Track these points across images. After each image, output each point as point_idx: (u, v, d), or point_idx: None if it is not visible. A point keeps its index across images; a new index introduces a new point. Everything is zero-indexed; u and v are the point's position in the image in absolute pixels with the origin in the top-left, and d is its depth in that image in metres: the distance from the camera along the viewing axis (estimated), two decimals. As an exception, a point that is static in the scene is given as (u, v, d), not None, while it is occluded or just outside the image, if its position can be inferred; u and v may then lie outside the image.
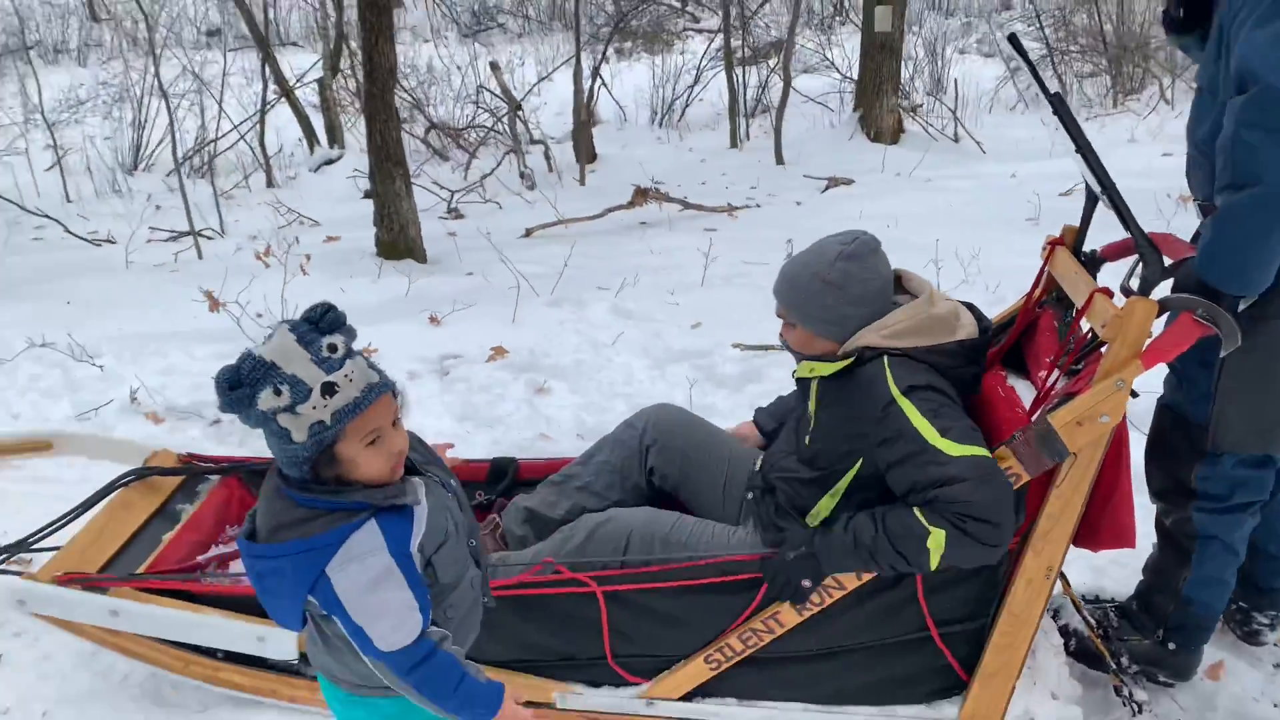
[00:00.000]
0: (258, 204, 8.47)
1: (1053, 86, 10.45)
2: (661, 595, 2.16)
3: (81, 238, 7.20)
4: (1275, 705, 2.23)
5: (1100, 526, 2.02)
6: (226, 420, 3.87)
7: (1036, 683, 2.15)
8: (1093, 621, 2.37)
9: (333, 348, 1.50)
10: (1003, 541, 1.93)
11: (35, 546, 2.53)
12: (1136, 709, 2.17)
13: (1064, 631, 2.33)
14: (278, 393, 1.45)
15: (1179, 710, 2.25)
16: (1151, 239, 1.85)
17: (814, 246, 2.17)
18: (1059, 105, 1.78)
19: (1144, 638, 2.30)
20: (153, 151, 10.34)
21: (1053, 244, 2.24)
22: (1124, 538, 2.01)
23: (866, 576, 2.05)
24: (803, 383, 2.27)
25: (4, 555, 2.51)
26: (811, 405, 2.20)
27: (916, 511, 1.94)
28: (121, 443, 2.85)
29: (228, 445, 3.72)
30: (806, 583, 2.06)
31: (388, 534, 1.56)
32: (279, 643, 2.25)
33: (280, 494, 1.60)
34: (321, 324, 1.52)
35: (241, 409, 1.48)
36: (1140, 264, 1.91)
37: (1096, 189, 1.89)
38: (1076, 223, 2.25)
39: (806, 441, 2.20)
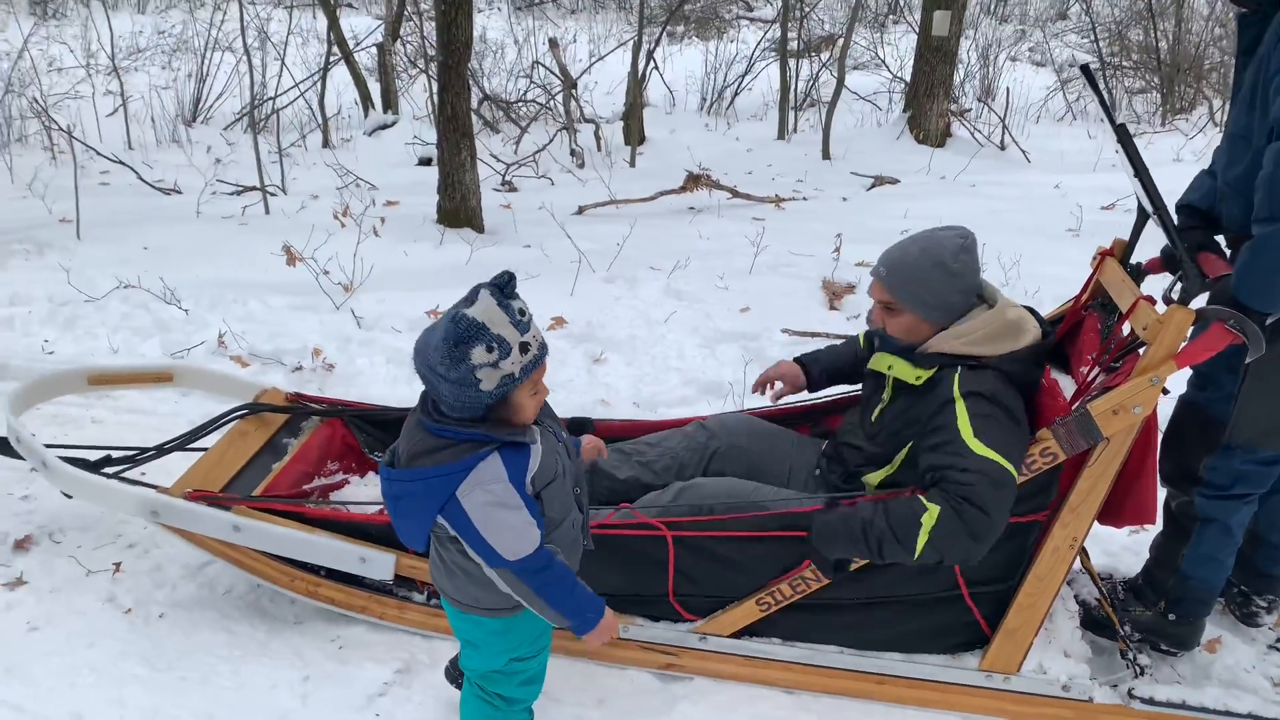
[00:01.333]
0: (313, 164, 8.73)
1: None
2: (725, 542, 2.41)
3: (152, 185, 7.47)
4: (1265, 678, 2.46)
5: (1124, 505, 2.27)
6: (308, 368, 4.14)
7: (1051, 641, 2.40)
8: (1105, 593, 2.61)
9: (522, 312, 1.79)
10: (987, 538, 2.11)
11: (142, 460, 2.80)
12: (1139, 671, 2.40)
13: (1079, 600, 2.57)
14: (490, 350, 1.72)
15: (1177, 676, 2.48)
16: (1196, 259, 2.09)
17: (924, 236, 2.32)
18: (1124, 136, 2.01)
19: (1147, 609, 2.54)
20: (211, 105, 10.62)
21: (1103, 254, 2.47)
22: (1145, 515, 2.25)
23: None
24: (877, 374, 2.45)
25: (128, 464, 2.78)
26: (886, 394, 2.42)
27: (920, 495, 2.17)
28: (236, 379, 3.13)
29: (308, 388, 3.99)
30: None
31: (508, 465, 1.82)
32: (379, 565, 2.52)
33: (420, 427, 1.86)
34: (507, 290, 1.78)
35: (456, 361, 1.72)
36: (1182, 278, 2.14)
37: (1150, 210, 2.12)
38: (1119, 235, 2.48)
39: (873, 419, 2.44)
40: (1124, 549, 2.96)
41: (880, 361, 2.41)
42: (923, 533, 2.13)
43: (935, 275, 2.27)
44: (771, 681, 2.46)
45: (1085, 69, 2.24)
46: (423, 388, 1.87)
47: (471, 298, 1.76)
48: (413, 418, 1.90)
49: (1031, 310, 2.40)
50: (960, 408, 2.18)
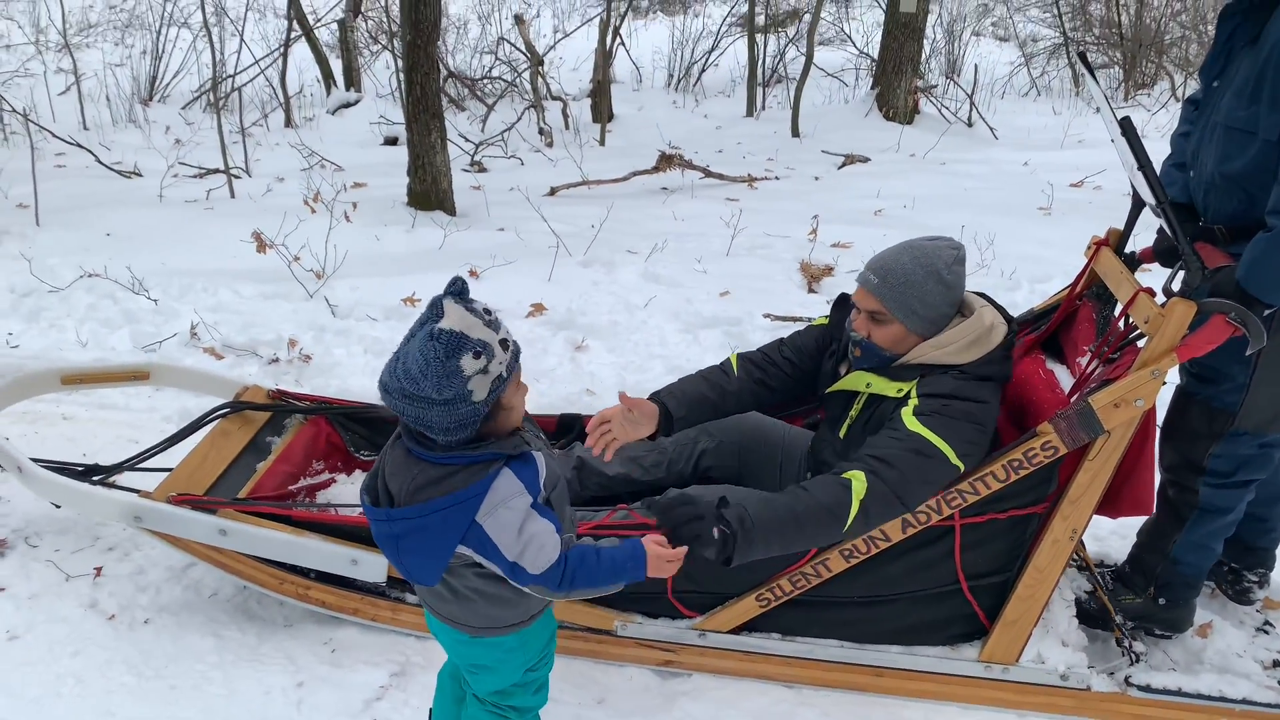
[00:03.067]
0: (276, 144, 8.55)
1: (1064, 74, 10.63)
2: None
3: (111, 168, 7.27)
4: (1256, 661, 2.50)
5: (1122, 496, 2.28)
6: (284, 360, 4.06)
7: (1049, 631, 2.42)
8: (1099, 582, 2.64)
9: (488, 310, 1.70)
10: (910, 500, 2.13)
11: (140, 466, 2.73)
12: (1134, 658, 2.43)
13: (1075, 590, 2.60)
14: (477, 356, 1.63)
15: (1171, 662, 2.52)
16: (1196, 248, 2.09)
17: (916, 246, 2.26)
18: (1127, 128, 2.00)
19: (1136, 596, 2.57)
20: (169, 84, 10.35)
21: (1098, 244, 2.46)
22: (1143, 506, 2.28)
23: (910, 531, 2.28)
24: (847, 392, 2.40)
25: (110, 472, 2.71)
26: (855, 409, 2.38)
27: (839, 475, 2.14)
28: (215, 377, 3.05)
29: (285, 383, 3.91)
30: (714, 532, 2.07)
31: (521, 478, 1.75)
32: (371, 566, 2.47)
33: (413, 459, 1.74)
34: (464, 295, 1.70)
35: (449, 378, 1.62)
36: (1182, 269, 2.14)
37: (1152, 203, 2.12)
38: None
39: (842, 434, 2.41)
40: (1112, 533, 2.99)
41: (857, 380, 2.36)
42: (852, 508, 2.10)
43: (929, 285, 2.23)
44: (771, 676, 2.46)
45: (1083, 55, 2.22)
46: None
47: (437, 313, 1.66)
48: (396, 452, 1.79)
49: (990, 300, 2.36)
50: (911, 404, 2.20)
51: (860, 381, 2.35)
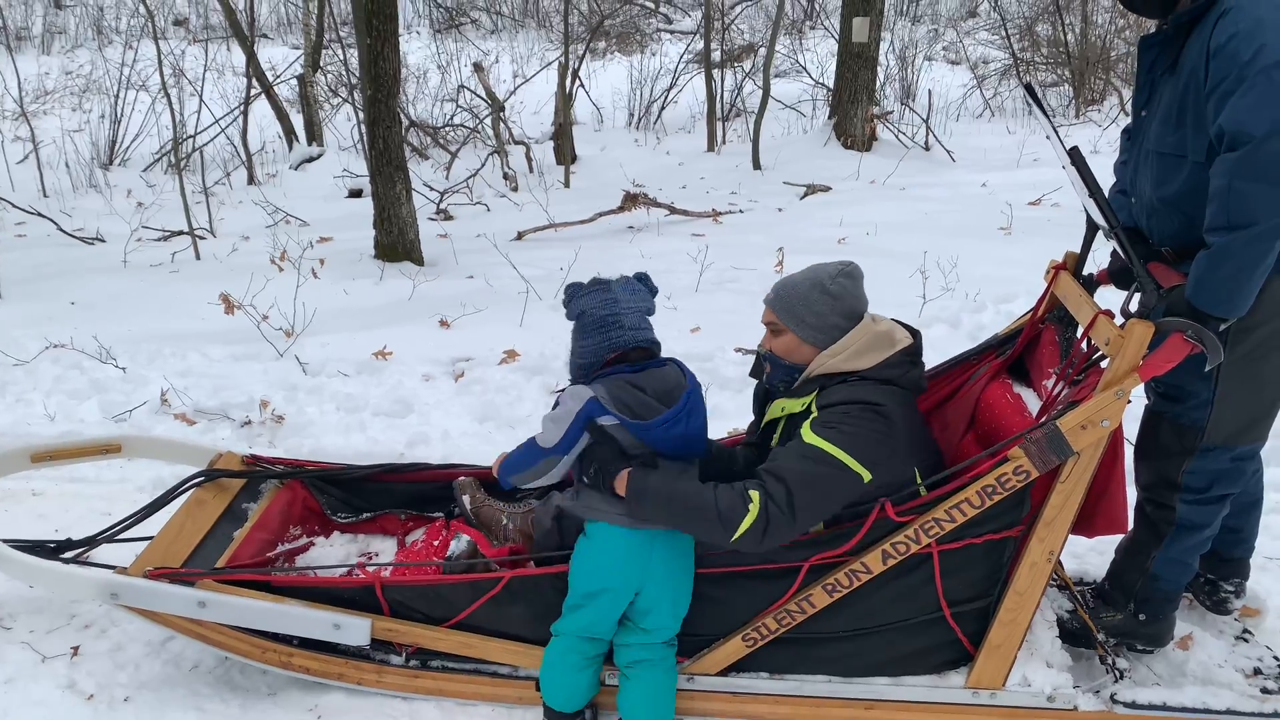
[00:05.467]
0: (240, 202, 8.54)
1: (1016, 94, 10.84)
2: (706, 581, 2.40)
3: (73, 235, 7.23)
4: (1237, 670, 2.53)
5: (1096, 516, 2.31)
6: (256, 422, 4.03)
7: (1033, 654, 2.43)
8: (1080, 601, 2.66)
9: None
10: (804, 517, 2.20)
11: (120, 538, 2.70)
12: (1119, 675, 2.45)
13: (1056, 610, 2.62)
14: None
15: (1154, 676, 2.54)
16: (1149, 269, 2.14)
17: (812, 267, 2.44)
18: (1077, 159, 2.06)
19: (1117, 613, 2.60)
20: (128, 147, 10.33)
21: (1056, 268, 2.52)
22: (1117, 525, 2.30)
23: (890, 563, 2.30)
24: (772, 421, 2.50)
25: (83, 547, 2.67)
26: (776, 436, 2.48)
27: (748, 490, 2.22)
28: (188, 445, 3.02)
29: (259, 445, 3.89)
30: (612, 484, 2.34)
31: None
32: (353, 630, 2.46)
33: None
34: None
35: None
36: (1138, 290, 2.20)
37: (1105, 229, 2.17)
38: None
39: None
40: (1090, 550, 3.02)
41: (775, 409, 2.48)
42: (746, 520, 2.20)
43: (813, 295, 2.37)
44: (761, 716, 2.46)
45: (1029, 88, 2.28)
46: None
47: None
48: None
49: (897, 320, 2.46)
50: (811, 418, 2.29)
51: (777, 409, 2.47)
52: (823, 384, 2.35)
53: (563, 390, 2.44)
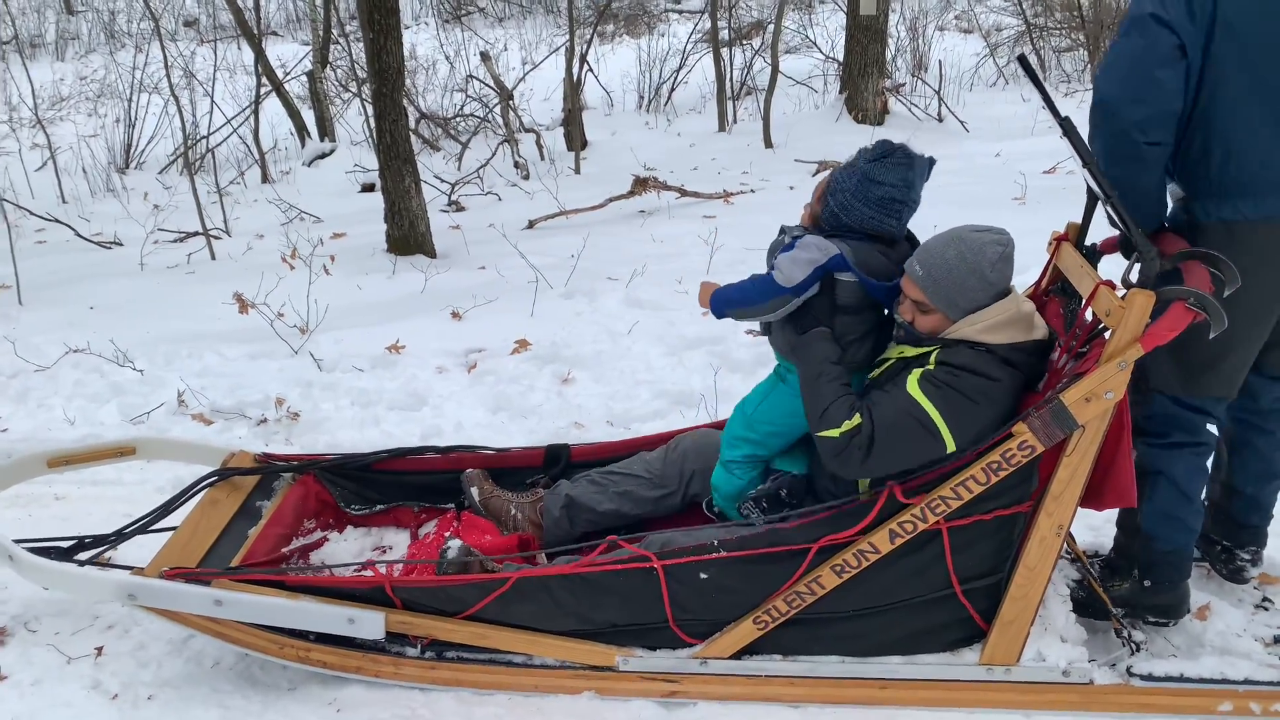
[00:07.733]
0: (254, 200, 8.59)
1: (1030, 60, 10.69)
2: (715, 565, 2.40)
3: (90, 240, 7.31)
4: (1256, 639, 2.50)
5: (1104, 488, 2.29)
6: (272, 420, 4.07)
7: (1047, 628, 2.42)
8: (1092, 574, 2.64)
9: None
10: (877, 464, 2.29)
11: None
12: (1135, 648, 2.44)
13: (1067, 582, 2.60)
14: None
15: (1172, 648, 2.51)
16: (1150, 238, 2.11)
17: (962, 240, 2.32)
18: (1069, 129, 2.03)
19: (1124, 582, 2.58)
20: (143, 150, 10.41)
21: (1058, 239, 2.49)
22: (1125, 497, 2.28)
23: (898, 542, 2.30)
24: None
25: (103, 547, 2.71)
26: (879, 373, 2.49)
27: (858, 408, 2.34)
28: (201, 445, 3.06)
29: (275, 442, 3.93)
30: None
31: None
32: (368, 624, 2.48)
33: None
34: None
35: None
36: (1138, 260, 2.17)
37: (1101, 198, 2.14)
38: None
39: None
40: (1107, 522, 2.97)
41: (892, 351, 2.49)
42: (833, 430, 2.31)
43: (971, 282, 2.29)
44: (776, 698, 2.46)
45: (1023, 60, 2.26)
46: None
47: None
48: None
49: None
50: (923, 368, 2.30)
51: (895, 351, 2.48)
52: (945, 341, 2.33)
53: (797, 234, 2.54)
